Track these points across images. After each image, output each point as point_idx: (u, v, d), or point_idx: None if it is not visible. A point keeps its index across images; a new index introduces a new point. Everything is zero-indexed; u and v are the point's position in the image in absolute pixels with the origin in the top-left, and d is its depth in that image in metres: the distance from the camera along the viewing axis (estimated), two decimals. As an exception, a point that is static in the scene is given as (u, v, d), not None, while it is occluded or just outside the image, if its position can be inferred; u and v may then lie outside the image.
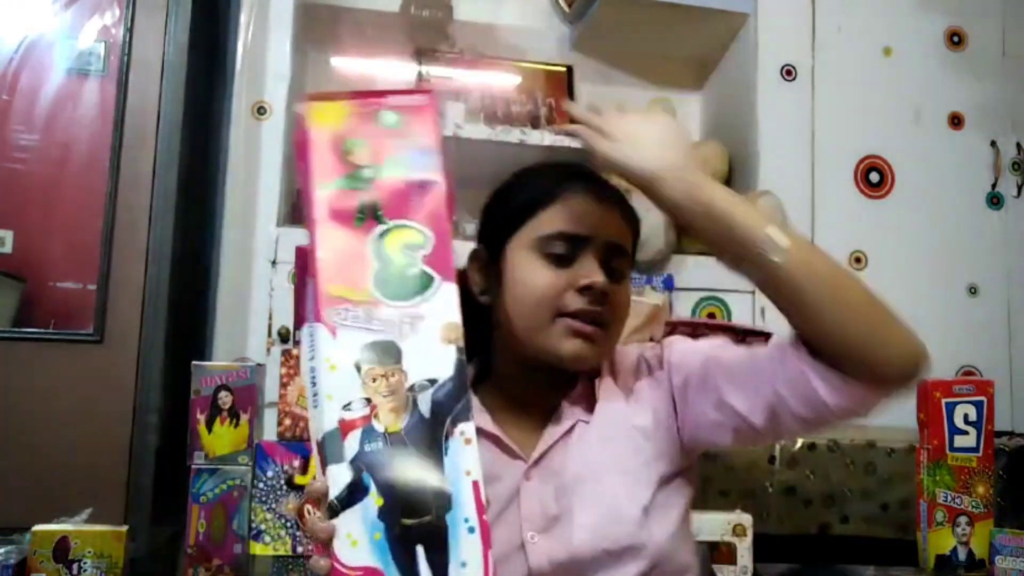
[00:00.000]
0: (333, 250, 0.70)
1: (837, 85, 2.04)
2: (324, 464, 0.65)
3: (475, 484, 0.65)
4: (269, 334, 1.68)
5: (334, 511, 0.64)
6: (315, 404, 0.67)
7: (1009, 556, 1.32)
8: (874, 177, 2.04)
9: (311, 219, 0.71)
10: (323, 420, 0.66)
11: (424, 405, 0.66)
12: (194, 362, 1.28)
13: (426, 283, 0.70)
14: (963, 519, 1.36)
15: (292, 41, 1.83)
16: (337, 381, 0.66)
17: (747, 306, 1.88)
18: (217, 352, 1.69)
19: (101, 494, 1.43)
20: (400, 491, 0.64)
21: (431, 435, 0.66)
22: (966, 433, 1.40)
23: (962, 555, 1.36)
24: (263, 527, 1.23)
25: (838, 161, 2.03)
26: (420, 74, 2.03)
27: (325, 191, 0.71)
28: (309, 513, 0.68)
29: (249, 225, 1.74)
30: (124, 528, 1.16)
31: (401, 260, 0.70)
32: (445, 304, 0.69)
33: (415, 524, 0.64)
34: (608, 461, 0.87)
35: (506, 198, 0.92)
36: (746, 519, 1.34)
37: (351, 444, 0.65)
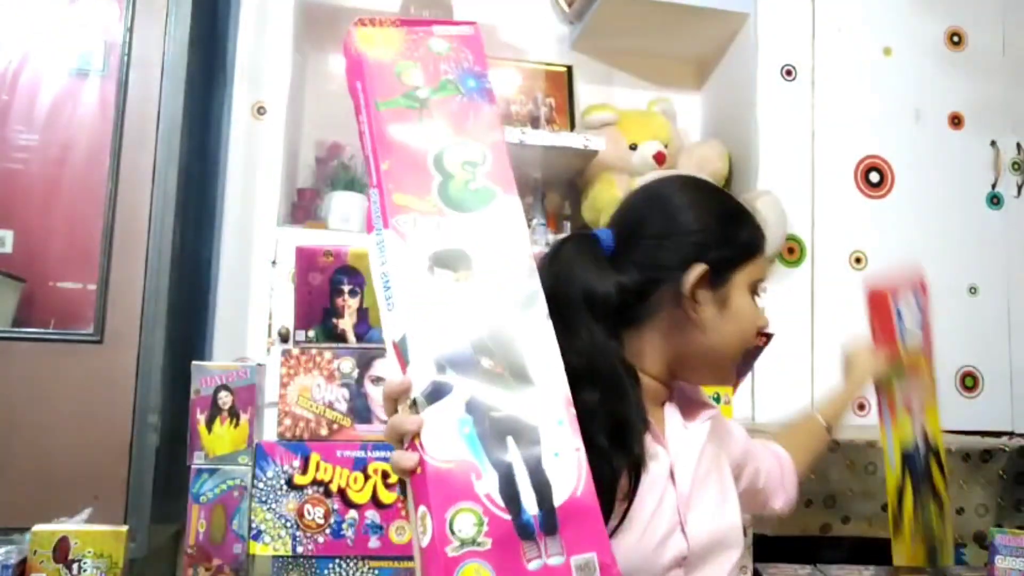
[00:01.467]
0: (396, 162, 0.71)
1: (837, 85, 2.04)
2: (404, 363, 0.65)
3: (559, 374, 0.66)
4: (269, 334, 1.68)
5: (420, 407, 0.63)
6: (389, 307, 0.67)
7: (1009, 556, 1.32)
8: (874, 177, 2.04)
9: (372, 133, 0.72)
10: (400, 320, 0.66)
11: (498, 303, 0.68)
12: (194, 362, 1.28)
13: (488, 196, 0.71)
14: (915, 404, 1.38)
15: (292, 41, 1.83)
16: (411, 286, 0.67)
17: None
18: (217, 352, 1.69)
19: (101, 494, 1.43)
20: (486, 385, 0.64)
21: (512, 330, 0.66)
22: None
23: (921, 448, 1.37)
24: (263, 527, 1.23)
25: (838, 161, 2.03)
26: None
27: (382, 107, 0.73)
28: (392, 410, 0.67)
29: (249, 225, 1.74)
30: (124, 528, 1.16)
31: (462, 175, 0.71)
32: (508, 215, 0.71)
33: (504, 417, 0.63)
34: (713, 457, 0.96)
35: (736, 230, 0.95)
36: (745, 519, 1.34)
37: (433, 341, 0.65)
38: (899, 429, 1.38)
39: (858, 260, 2.01)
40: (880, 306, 1.37)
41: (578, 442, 0.64)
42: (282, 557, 1.22)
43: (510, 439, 0.63)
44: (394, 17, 0.80)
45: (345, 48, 0.77)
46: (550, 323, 0.68)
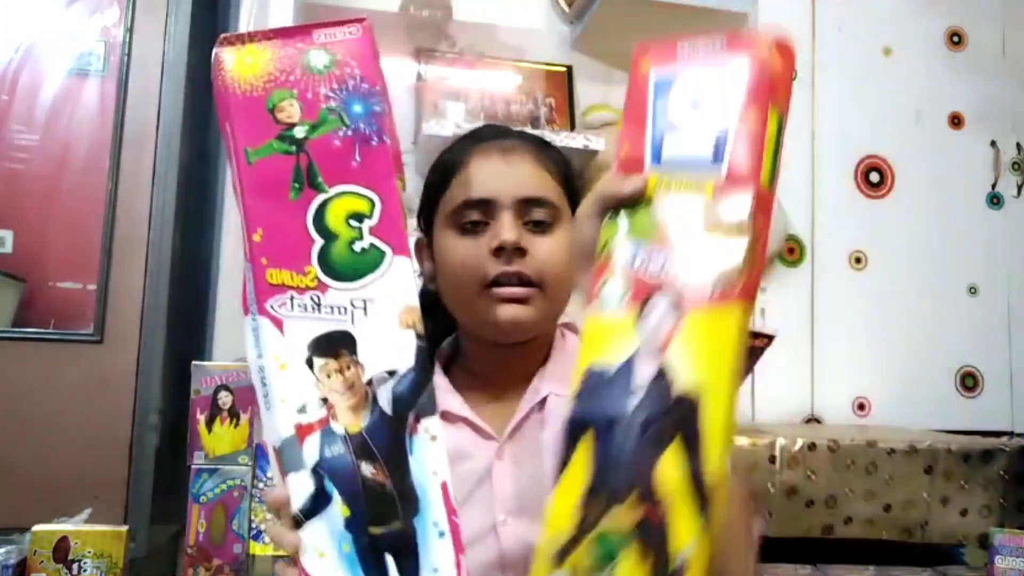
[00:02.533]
0: (268, 229, 0.62)
1: (837, 85, 2.04)
2: (284, 472, 0.61)
3: (443, 485, 0.61)
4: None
5: (298, 522, 0.60)
6: (267, 406, 0.62)
7: (1009, 556, 1.32)
8: (874, 177, 2.04)
9: (240, 193, 0.63)
10: (278, 425, 0.61)
11: (384, 400, 0.61)
12: (194, 362, 1.28)
13: (377, 259, 0.62)
14: (662, 300, 0.58)
15: (292, 41, 1.83)
16: (289, 381, 0.61)
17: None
18: (217, 352, 1.69)
19: (101, 494, 1.43)
20: (365, 498, 0.60)
21: (394, 433, 0.61)
22: (692, 129, 0.60)
23: (640, 371, 0.58)
24: (263, 527, 1.23)
25: (838, 161, 2.03)
26: (419, 75, 2.03)
27: (253, 159, 0.63)
28: (271, 522, 0.63)
29: (249, 225, 1.74)
30: (124, 528, 1.16)
31: (347, 234, 0.62)
32: (400, 282, 0.62)
33: (383, 532, 0.60)
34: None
35: (431, 176, 0.88)
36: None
37: (310, 450, 0.60)
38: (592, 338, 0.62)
39: (858, 260, 2.01)
40: (637, 80, 0.63)
41: (459, 555, 0.60)
42: (282, 557, 1.22)
43: (389, 557, 0.60)
44: (268, 29, 0.66)
45: (213, 77, 0.64)
46: (437, 420, 0.62)
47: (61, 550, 1.12)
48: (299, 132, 0.63)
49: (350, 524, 0.60)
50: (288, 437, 0.60)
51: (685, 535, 0.54)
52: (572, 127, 2.10)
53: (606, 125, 2.08)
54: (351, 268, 0.62)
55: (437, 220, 0.85)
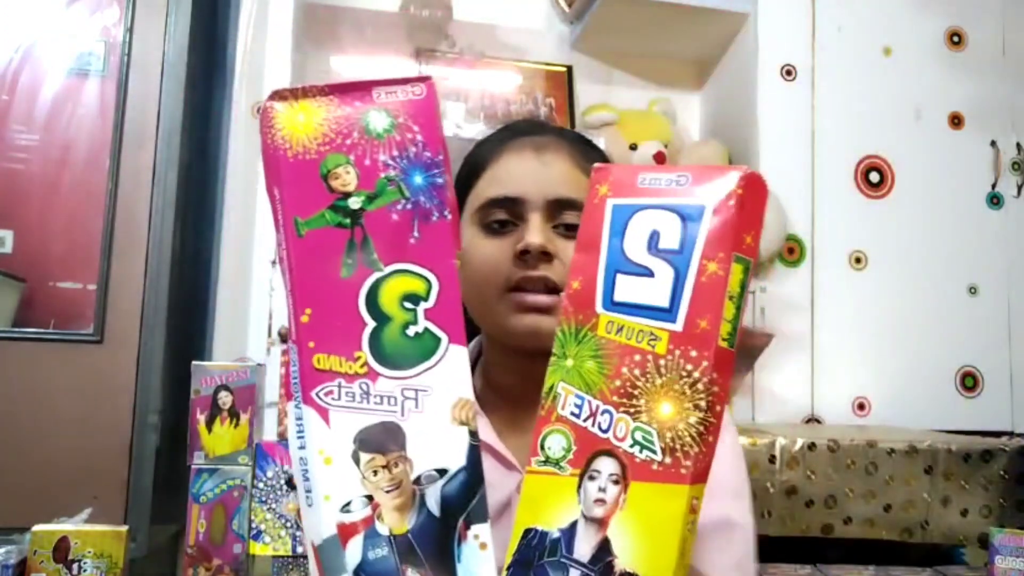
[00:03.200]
0: (317, 309, 0.58)
1: (837, 85, 2.04)
2: (323, 573, 0.57)
3: None
4: (269, 334, 1.68)
5: None
6: (309, 503, 0.58)
7: (1009, 556, 1.31)
8: (874, 177, 2.04)
9: (288, 268, 0.59)
10: (320, 523, 0.56)
11: (432, 501, 0.57)
12: (194, 362, 1.27)
13: (432, 346, 0.57)
14: (607, 465, 0.56)
15: (292, 41, 1.83)
16: (334, 476, 0.56)
17: (747, 306, 1.88)
18: (217, 352, 1.69)
19: (101, 494, 1.43)
20: None
21: (442, 538, 0.56)
22: (647, 274, 0.57)
23: (578, 544, 0.59)
24: (263, 527, 1.23)
25: (838, 161, 2.03)
26: (419, 75, 2.03)
27: (303, 231, 0.58)
28: None
29: (249, 225, 1.74)
30: (124, 528, 1.16)
31: (400, 317, 0.57)
32: (454, 373, 0.57)
33: None
34: None
35: (461, 171, 0.83)
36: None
37: (353, 552, 0.56)
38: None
39: (858, 260, 2.01)
40: (592, 207, 0.62)
41: None
42: (282, 557, 1.22)
43: None
44: (323, 84, 0.59)
45: (261, 134, 0.59)
46: (488, 527, 0.57)
47: (61, 550, 1.12)
48: (355, 203, 0.58)
49: None
50: (330, 537, 0.56)
51: None
52: (572, 127, 2.10)
53: (606, 125, 2.08)
54: (403, 355, 0.57)
55: (463, 216, 0.80)
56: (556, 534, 0.56)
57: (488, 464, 0.78)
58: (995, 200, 2.10)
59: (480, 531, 0.56)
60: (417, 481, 0.56)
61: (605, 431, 0.55)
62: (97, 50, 1.62)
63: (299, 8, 1.86)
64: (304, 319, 0.58)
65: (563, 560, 0.55)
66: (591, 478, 0.55)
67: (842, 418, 1.96)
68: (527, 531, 0.57)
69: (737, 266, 0.55)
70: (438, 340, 0.57)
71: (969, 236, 2.07)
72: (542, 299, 0.75)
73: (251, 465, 1.25)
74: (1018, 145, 2.11)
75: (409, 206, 0.58)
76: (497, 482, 0.78)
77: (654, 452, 0.53)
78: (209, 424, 1.25)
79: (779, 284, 1.95)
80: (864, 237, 2.01)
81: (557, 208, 0.77)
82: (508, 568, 0.56)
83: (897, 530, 1.58)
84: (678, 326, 0.54)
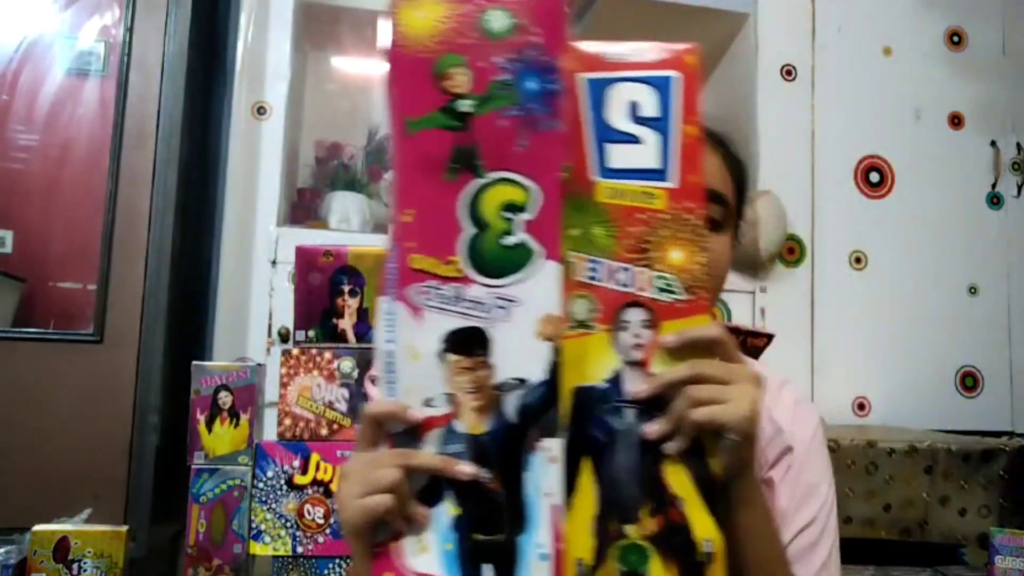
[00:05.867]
0: (419, 210, 0.58)
1: (837, 85, 2.04)
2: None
3: (554, 508, 0.58)
4: (269, 334, 1.68)
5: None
6: (391, 394, 0.59)
7: (1009, 556, 1.32)
8: (874, 177, 2.04)
9: (398, 167, 0.59)
10: None
11: (511, 408, 0.58)
12: (194, 362, 1.28)
13: (525, 258, 0.58)
14: (635, 314, 0.61)
15: (292, 41, 1.83)
16: (419, 372, 0.58)
17: (747, 306, 1.88)
18: (217, 352, 1.69)
19: (101, 494, 1.43)
20: (476, 502, 0.58)
21: (515, 445, 0.58)
22: (634, 140, 0.62)
23: (628, 386, 0.61)
24: (263, 527, 1.23)
25: (838, 161, 2.03)
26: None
27: (412, 131, 0.58)
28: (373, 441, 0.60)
29: (249, 225, 1.74)
30: (124, 528, 1.16)
31: (499, 225, 0.58)
32: (545, 288, 0.58)
33: (487, 541, 0.58)
34: None
35: None
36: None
37: (430, 444, 0.58)
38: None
39: (858, 260, 2.01)
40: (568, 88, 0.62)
41: None
42: (282, 557, 1.22)
43: (487, 567, 0.58)
44: None
45: (389, 30, 0.59)
46: (559, 442, 0.58)
47: (61, 550, 1.12)
48: (465, 105, 0.58)
49: (457, 524, 0.58)
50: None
51: (706, 526, 0.58)
52: (572, 127, 2.10)
53: (606, 125, 2.09)
54: (497, 263, 0.58)
55: None
56: (603, 385, 0.60)
57: None
58: (995, 200, 2.10)
59: (552, 445, 0.58)
60: (498, 387, 0.58)
61: (627, 285, 0.60)
62: (97, 50, 1.62)
63: (299, 8, 1.86)
64: (406, 218, 0.58)
65: (618, 404, 0.60)
66: (623, 328, 0.60)
67: (842, 418, 1.96)
68: (576, 389, 0.60)
69: (700, 125, 0.63)
70: (531, 253, 0.58)
71: (969, 236, 2.07)
72: None
73: (251, 465, 1.25)
74: (1018, 145, 2.11)
75: (520, 113, 0.58)
76: None
77: (678, 292, 0.60)
78: (209, 424, 1.25)
79: (779, 284, 1.95)
80: (864, 237, 2.01)
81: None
82: (568, 428, 0.59)
83: (896, 530, 1.58)
84: (673, 183, 0.61)
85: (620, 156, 0.61)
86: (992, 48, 2.14)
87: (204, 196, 1.78)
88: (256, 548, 1.23)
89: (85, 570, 1.12)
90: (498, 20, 0.58)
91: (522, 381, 0.58)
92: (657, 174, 0.61)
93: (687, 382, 0.60)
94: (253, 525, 1.23)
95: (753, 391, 0.61)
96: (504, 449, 0.58)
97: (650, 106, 0.61)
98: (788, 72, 2.02)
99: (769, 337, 1.52)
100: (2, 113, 1.59)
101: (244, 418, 1.25)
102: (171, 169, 1.56)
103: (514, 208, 0.58)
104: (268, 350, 1.66)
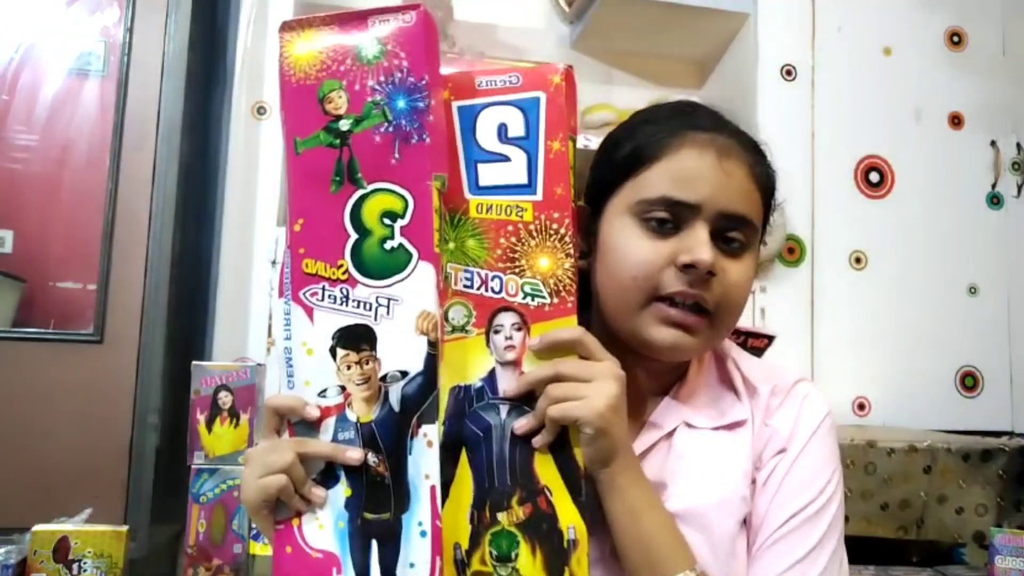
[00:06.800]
0: (309, 220, 0.65)
1: (837, 85, 2.04)
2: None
3: (432, 489, 0.63)
4: (269, 334, 1.68)
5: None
6: (290, 386, 0.66)
7: (1009, 556, 1.32)
8: (874, 177, 2.04)
9: (289, 183, 0.66)
10: None
11: (394, 398, 0.64)
12: (194, 362, 1.28)
13: (403, 261, 0.64)
14: (507, 318, 0.68)
15: (292, 41, 1.83)
16: (314, 366, 0.65)
17: (747, 306, 1.88)
18: (217, 352, 1.69)
19: (101, 494, 1.43)
20: (366, 485, 0.64)
21: (398, 431, 0.64)
22: (503, 159, 0.69)
23: (501, 385, 0.68)
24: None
25: (838, 161, 2.03)
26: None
27: (301, 149, 0.65)
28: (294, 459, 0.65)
29: (249, 225, 1.74)
30: (124, 528, 1.16)
31: (379, 231, 0.64)
32: (420, 288, 0.64)
33: (374, 520, 0.64)
34: (710, 476, 0.76)
35: (613, 148, 0.78)
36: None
37: (325, 432, 0.65)
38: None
39: (858, 260, 2.01)
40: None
41: (436, 556, 0.63)
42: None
43: (374, 543, 0.64)
44: (329, 14, 0.65)
45: (279, 59, 0.67)
46: (435, 427, 0.63)
47: (61, 550, 1.12)
48: (344, 125, 0.65)
49: (349, 504, 0.64)
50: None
51: (570, 514, 0.65)
52: (572, 127, 2.10)
53: (606, 125, 2.08)
54: (380, 266, 0.64)
55: (615, 200, 0.75)
56: (479, 383, 0.67)
57: None
58: (995, 200, 2.10)
59: (428, 431, 0.64)
60: (383, 379, 0.64)
61: (498, 292, 0.67)
62: (97, 50, 1.62)
63: (299, 8, 1.86)
64: (297, 228, 0.65)
65: (491, 401, 0.67)
66: (496, 332, 0.67)
67: (842, 418, 1.96)
68: (453, 388, 0.67)
69: (570, 143, 0.68)
70: (410, 255, 0.64)
71: (969, 236, 2.07)
72: (691, 319, 0.73)
73: (251, 465, 1.26)
74: (1018, 145, 2.11)
75: (391, 129, 0.64)
76: None
77: (544, 297, 0.67)
78: (209, 424, 1.25)
79: (779, 284, 1.95)
80: (864, 237, 2.01)
81: (724, 221, 0.73)
82: (444, 422, 0.65)
83: (894, 529, 1.58)
84: (539, 196, 0.67)
85: (490, 174, 0.69)
86: (992, 48, 2.14)
87: (204, 196, 1.78)
88: (256, 548, 1.23)
89: (85, 570, 1.11)
90: (370, 47, 0.65)
91: (404, 373, 0.64)
92: (525, 188, 0.68)
93: (549, 381, 0.66)
94: (253, 525, 1.23)
95: (609, 387, 0.65)
96: (390, 435, 0.64)
97: (517, 126, 0.68)
98: (788, 72, 2.02)
99: (770, 338, 1.52)
100: (2, 113, 1.59)
101: (244, 418, 1.25)
102: (171, 169, 1.56)
103: (392, 215, 0.64)
104: (268, 350, 1.65)
